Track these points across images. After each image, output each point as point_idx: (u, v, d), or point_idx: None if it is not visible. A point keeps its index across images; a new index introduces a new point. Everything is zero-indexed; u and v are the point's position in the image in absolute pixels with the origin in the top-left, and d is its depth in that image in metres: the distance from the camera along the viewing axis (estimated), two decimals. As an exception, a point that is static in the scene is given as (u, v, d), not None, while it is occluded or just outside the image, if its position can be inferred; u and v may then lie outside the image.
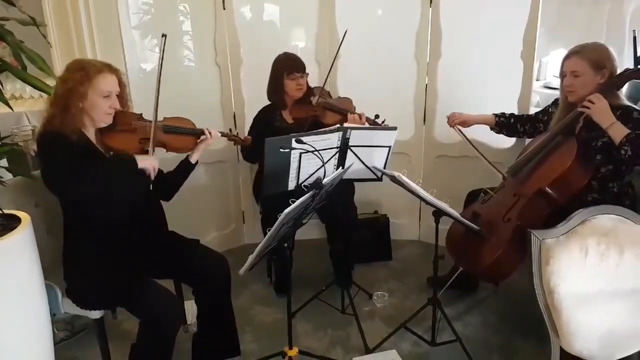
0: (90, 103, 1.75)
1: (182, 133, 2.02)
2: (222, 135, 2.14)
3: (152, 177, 1.84)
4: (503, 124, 2.50)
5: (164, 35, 1.85)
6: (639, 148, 1.88)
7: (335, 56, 2.52)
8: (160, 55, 1.87)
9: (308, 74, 2.62)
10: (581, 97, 2.08)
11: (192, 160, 2.07)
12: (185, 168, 2.07)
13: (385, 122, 2.47)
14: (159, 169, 2.02)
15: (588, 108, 1.98)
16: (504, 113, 2.53)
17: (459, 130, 2.50)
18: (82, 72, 1.74)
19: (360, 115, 2.45)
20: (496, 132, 2.57)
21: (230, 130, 2.27)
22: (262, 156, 2.53)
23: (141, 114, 1.97)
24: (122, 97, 1.89)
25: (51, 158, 1.70)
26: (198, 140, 2.05)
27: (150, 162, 1.82)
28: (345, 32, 2.47)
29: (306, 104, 2.56)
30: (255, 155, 2.62)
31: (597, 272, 1.51)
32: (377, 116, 2.48)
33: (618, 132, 1.91)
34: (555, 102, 2.31)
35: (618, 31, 4.45)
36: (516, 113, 2.73)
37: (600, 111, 1.96)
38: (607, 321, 1.53)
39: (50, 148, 1.70)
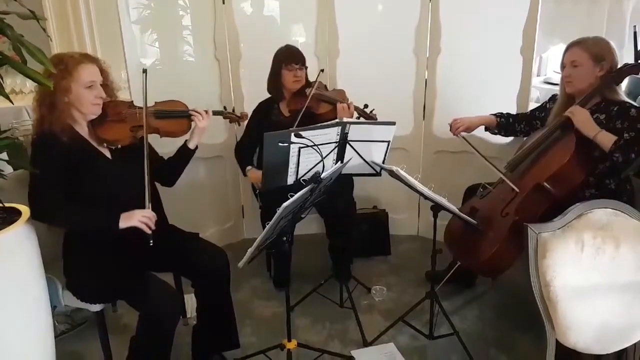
0: (76, 96, 1.75)
1: (173, 117, 2.00)
2: (214, 114, 2.10)
3: (149, 231, 1.72)
4: (503, 124, 2.47)
5: (144, 71, 1.88)
6: (629, 154, 1.90)
7: (317, 79, 2.55)
8: (143, 90, 1.88)
9: (307, 67, 2.63)
10: (579, 89, 2.09)
11: (191, 145, 2.05)
12: (185, 154, 2.07)
13: (374, 112, 2.49)
14: (159, 156, 2.02)
15: (574, 116, 2.01)
16: (502, 113, 2.50)
17: (464, 139, 2.36)
18: (62, 65, 1.72)
19: (348, 105, 2.47)
20: (493, 134, 2.52)
21: (224, 107, 2.23)
22: (249, 158, 2.50)
23: (132, 101, 1.96)
24: (107, 85, 1.87)
25: (38, 178, 1.65)
26: (192, 123, 2.03)
27: (136, 219, 1.71)
28: (322, 70, 2.57)
29: (302, 96, 2.58)
30: (245, 154, 2.64)
31: (593, 266, 1.52)
32: (365, 105, 2.50)
33: (606, 140, 1.94)
34: (553, 98, 2.32)
35: (618, 26, 4.44)
36: (515, 109, 2.74)
37: (582, 122, 1.99)
38: (602, 314, 1.54)
39: (39, 165, 1.65)
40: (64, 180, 1.70)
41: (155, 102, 2.01)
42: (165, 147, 2.14)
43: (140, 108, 1.90)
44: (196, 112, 2.02)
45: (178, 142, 2.09)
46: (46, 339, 1.64)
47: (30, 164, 1.65)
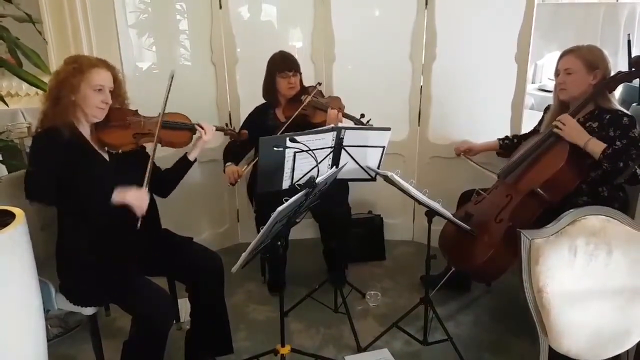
0: (83, 96, 1.77)
1: (177, 128, 2.02)
2: (217, 130, 2.13)
3: (139, 215, 1.74)
4: (507, 146, 2.49)
5: (171, 77, 1.89)
6: (616, 162, 1.92)
7: (317, 86, 2.61)
8: (165, 94, 1.90)
9: (301, 73, 2.64)
10: (572, 96, 2.11)
11: (191, 157, 2.06)
12: (184, 165, 2.07)
13: (371, 122, 2.48)
14: (157, 167, 2.02)
15: (560, 129, 2.03)
16: (507, 136, 2.54)
17: (467, 158, 2.57)
18: (75, 64, 1.77)
19: (338, 111, 2.47)
20: (502, 156, 2.54)
21: (226, 124, 2.27)
22: (235, 158, 2.51)
23: (136, 110, 1.98)
24: (118, 94, 1.90)
25: (35, 164, 1.70)
26: (194, 136, 2.05)
27: (133, 196, 1.73)
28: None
29: (297, 102, 2.58)
30: (234, 153, 2.62)
31: (586, 272, 1.52)
32: (362, 115, 2.49)
33: (595, 148, 1.96)
34: (547, 109, 2.34)
35: (613, 34, 4.48)
36: (510, 115, 2.75)
37: (572, 131, 2.01)
38: (595, 320, 1.54)
39: (38, 154, 1.72)
40: (60, 173, 1.71)
41: (160, 113, 2.01)
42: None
43: (145, 117, 1.93)
44: (200, 125, 2.04)
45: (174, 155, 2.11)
46: (39, 342, 1.62)
47: (29, 155, 1.71)
